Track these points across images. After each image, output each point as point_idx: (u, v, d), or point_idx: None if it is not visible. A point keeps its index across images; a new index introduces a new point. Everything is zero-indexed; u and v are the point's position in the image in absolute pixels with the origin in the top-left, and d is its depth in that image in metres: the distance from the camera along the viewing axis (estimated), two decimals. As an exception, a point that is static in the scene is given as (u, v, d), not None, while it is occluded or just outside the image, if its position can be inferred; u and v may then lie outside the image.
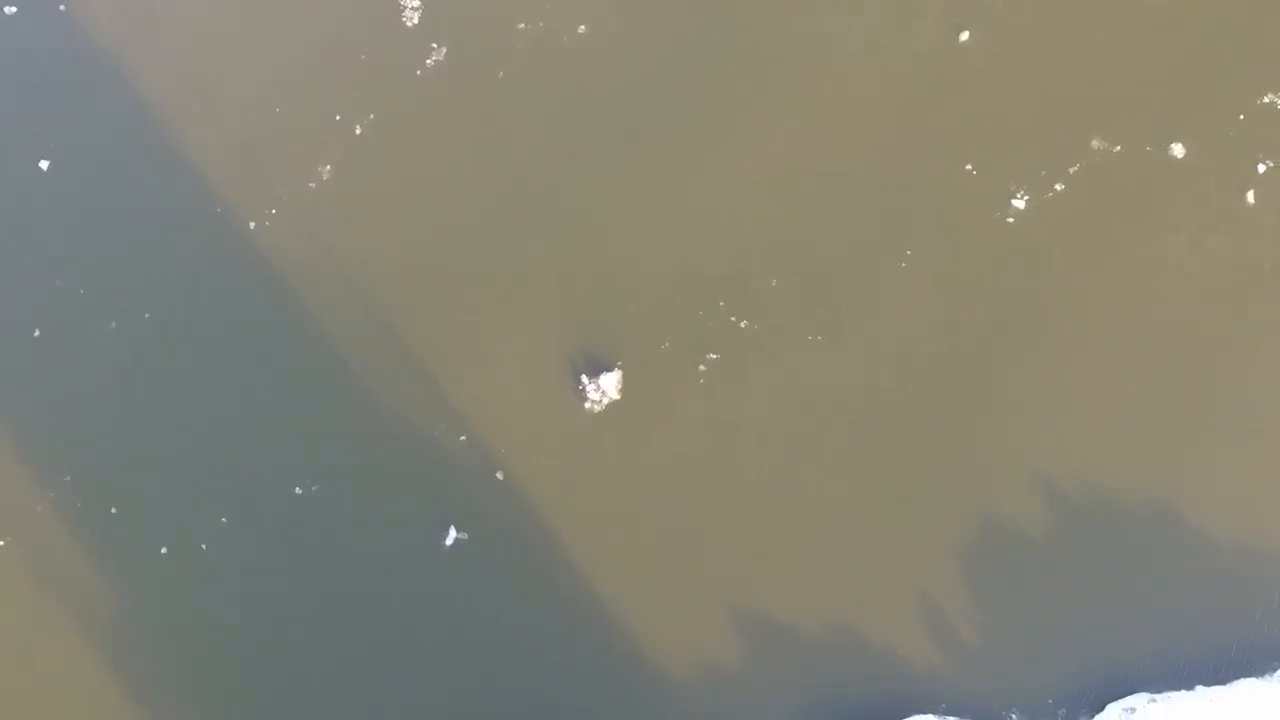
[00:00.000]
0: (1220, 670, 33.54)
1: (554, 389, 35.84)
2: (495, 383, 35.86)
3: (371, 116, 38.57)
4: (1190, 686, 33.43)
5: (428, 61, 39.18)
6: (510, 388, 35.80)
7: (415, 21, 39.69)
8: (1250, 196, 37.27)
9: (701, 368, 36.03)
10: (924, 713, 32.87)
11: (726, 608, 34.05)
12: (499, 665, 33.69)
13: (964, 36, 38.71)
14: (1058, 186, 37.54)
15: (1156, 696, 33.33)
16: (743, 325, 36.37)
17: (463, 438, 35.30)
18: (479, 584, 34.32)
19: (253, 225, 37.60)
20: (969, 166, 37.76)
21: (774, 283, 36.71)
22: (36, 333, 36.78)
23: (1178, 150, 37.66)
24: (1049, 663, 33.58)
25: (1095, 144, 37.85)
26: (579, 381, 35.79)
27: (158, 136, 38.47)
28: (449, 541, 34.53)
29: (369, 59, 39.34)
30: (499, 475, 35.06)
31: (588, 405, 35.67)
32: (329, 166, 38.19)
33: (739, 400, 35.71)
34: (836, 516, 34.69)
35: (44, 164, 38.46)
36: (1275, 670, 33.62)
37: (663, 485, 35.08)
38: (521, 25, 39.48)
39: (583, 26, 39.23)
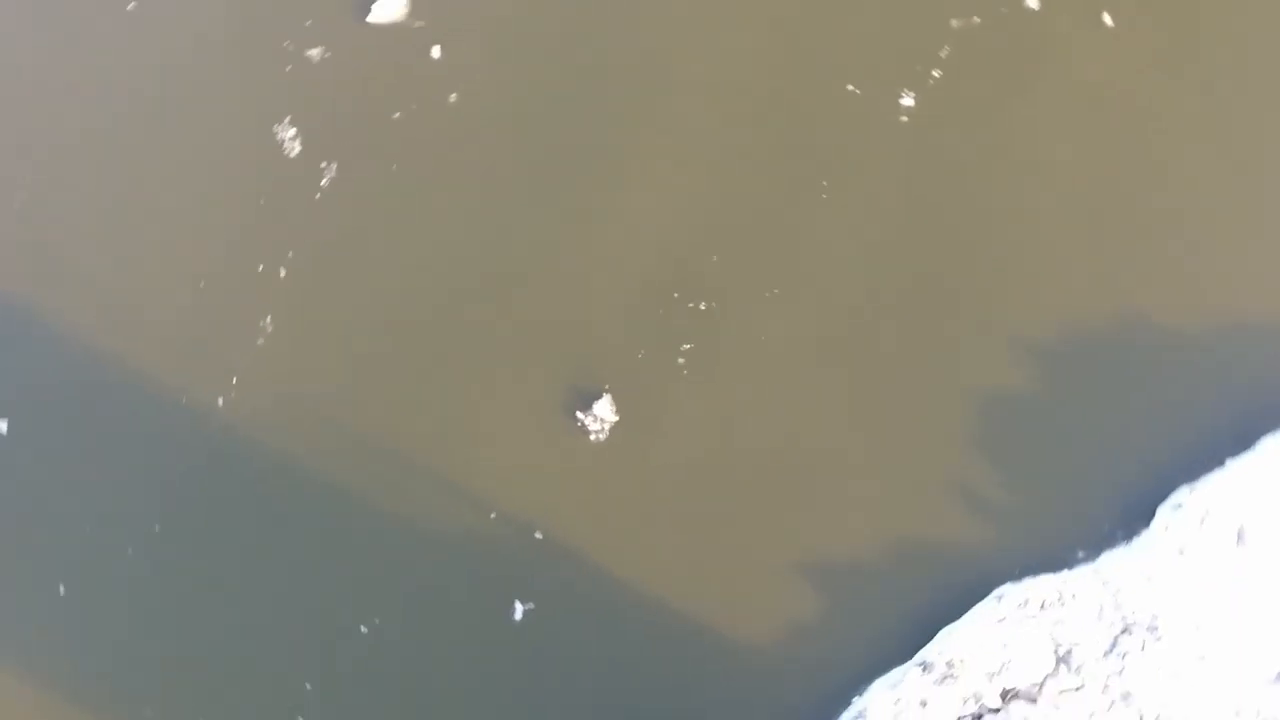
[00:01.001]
0: (1238, 438, 35.48)
1: (556, 435, 36.77)
2: (502, 452, 36.69)
3: (291, 254, 39.15)
4: (1221, 463, 35.43)
5: (323, 183, 39.84)
6: (516, 450, 36.65)
7: (297, 150, 40.31)
8: (1107, 18, 39.27)
9: (680, 360, 37.24)
10: (1012, 583, 34.43)
11: (786, 575, 35.21)
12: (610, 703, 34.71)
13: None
14: (935, 74, 39.32)
15: (1194, 484, 35.29)
16: (703, 308, 37.65)
17: (492, 515, 36.12)
18: (561, 643, 35.14)
19: (220, 401, 38.04)
20: (850, 87, 39.36)
21: (715, 258, 38.05)
22: (62, 589, 36.67)
23: (1032, 2, 39.58)
24: (1088, 499, 35.37)
25: (954, 23, 39.63)
26: (576, 420, 36.77)
27: (95, 363, 38.33)
28: (519, 616, 35.42)
29: (267, 201, 39.88)
30: (538, 535, 35.96)
31: (592, 437, 36.68)
32: (269, 317, 38.70)
33: (725, 375, 37.08)
34: (853, 453, 36.16)
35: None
36: (1283, 422, 35.88)
37: (689, 484, 36.16)
38: (396, 115, 40.28)
39: (454, 95, 40.10)
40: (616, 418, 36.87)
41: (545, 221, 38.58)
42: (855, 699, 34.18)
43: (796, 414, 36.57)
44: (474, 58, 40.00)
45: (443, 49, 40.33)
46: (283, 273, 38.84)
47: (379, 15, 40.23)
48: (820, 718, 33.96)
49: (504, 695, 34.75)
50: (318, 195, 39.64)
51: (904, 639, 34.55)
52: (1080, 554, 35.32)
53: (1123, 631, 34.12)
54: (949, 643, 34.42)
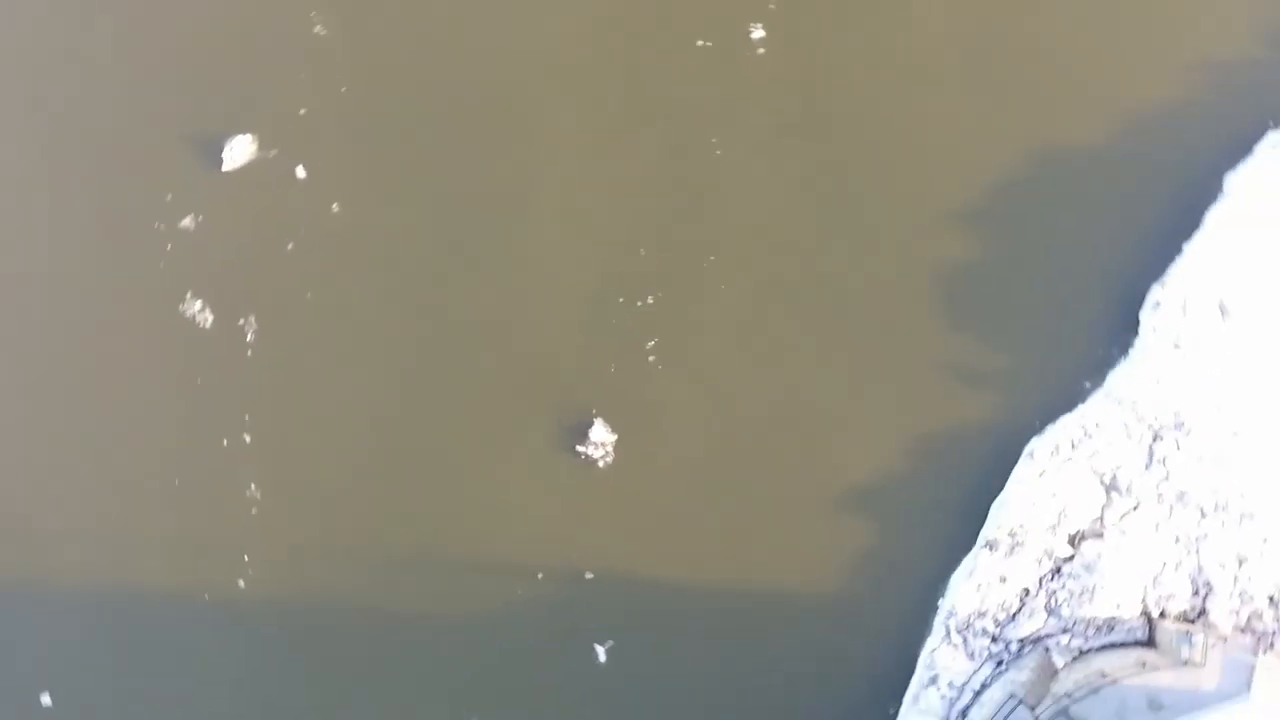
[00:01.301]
0: (1185, 222, 36.35)
1: (567, 476, 36.89)
2: (523, 513, 36.76)
3: (247, 418, 38.61)
4: (1179, 250, 36.33)
5: (249, 339, 39.14)
6: (536, 505, 36.74)
7: (210, 320, 39.46)
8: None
9: (651, 358, 37.44)
10: (1037, 436, 35.29)
11: (828, 519, 35.88)
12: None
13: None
14: (771, 5, 39.56)
15: (1163, 280, 36.20)
16: (650, 301, 37.80)
17: (539, 575, 36.30)
18: (650, 666, 35.59)
19: (242, 583, 37.48)
20: (700, 42, 39.51)
21: (642, 251, 38.19)
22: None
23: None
24: (1074, 332, 36.23)
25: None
26: (579, 455, 36.93)
27: (117, 612, 37.65)
28: (603, 659, 35.74)
29: (204, 379, 39.23)
30: (589, 575, 36.20)
31: (600, 464, 36.84)
32: (252, 485, 38.21)
33: (697, 353, 37.39)
34: (842, 382, 36.93)
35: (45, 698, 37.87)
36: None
37: (706, 470, 36.63)
38: (290, 245, 39.65)
39: (335, 204, 39.59)
40: (615, 436, 36.97)
41: (472, 285, 38.34)
42: (940, 601, 35.02)
43: (776, 365, 36.79)
44: (339, 162, 39.47)
45: (306, 167, 39.75)
46: (247, 438, 38.44)
47: (233, 161, 39.55)
48: (915, 634, 34.87)
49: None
50: (249, 353, 39.11)
51: (961, 529, 35.17)
52: (1087, 384, 36.04)
53: (1154, 439, 35.05)
54: (1003, 515, 35.10)
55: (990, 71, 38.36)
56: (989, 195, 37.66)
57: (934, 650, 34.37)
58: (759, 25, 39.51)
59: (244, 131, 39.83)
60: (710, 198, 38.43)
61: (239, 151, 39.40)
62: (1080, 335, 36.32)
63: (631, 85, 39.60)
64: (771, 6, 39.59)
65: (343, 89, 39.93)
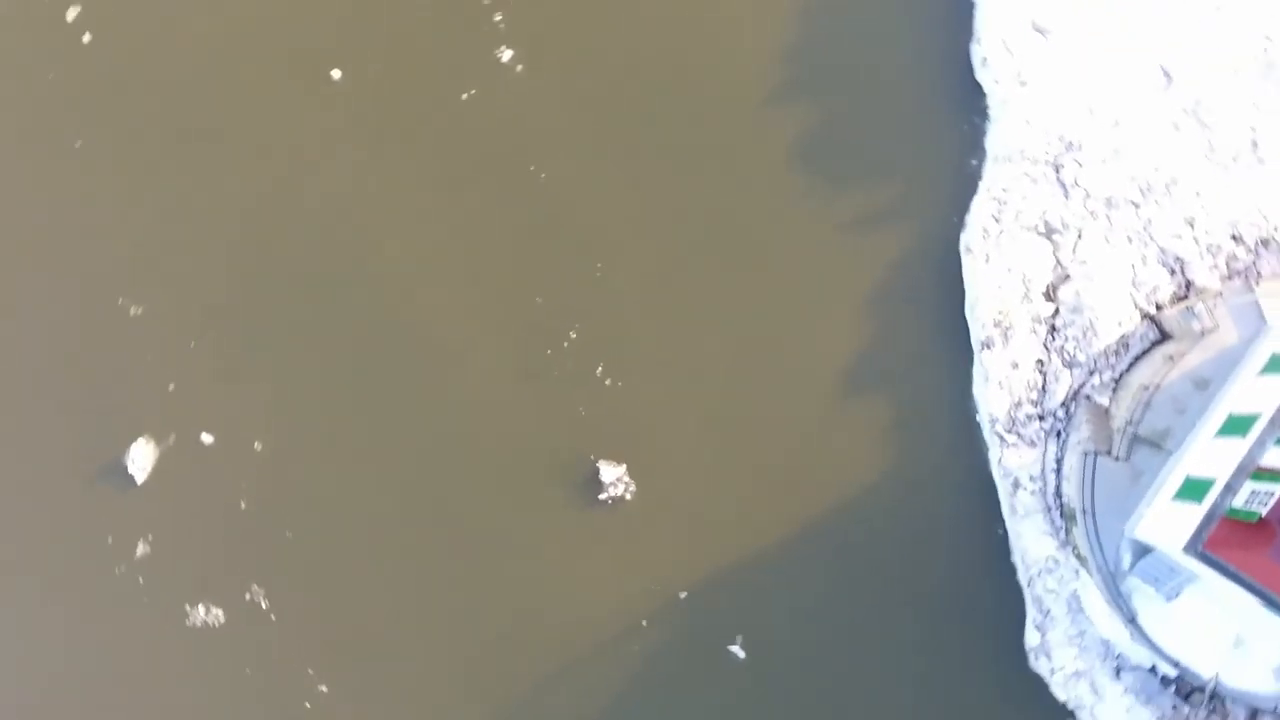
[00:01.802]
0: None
1: (604, 523, 37.18)
2: (596, 572, 37.05)
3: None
4: (969, 4, 37.36)
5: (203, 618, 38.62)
6: (602, 556, 37.09)
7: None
8: None
9: (607, 382, 37.62)
10: (963, 231, 36.32)
11: (848, 405, 36.88)
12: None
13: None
14: (497, 17, 39.28)
15: (975, 35, 37.21)
16: (574, 335, 37.91)
17: (643, 622, 36.70)
18: (783, 639, 36.46)
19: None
20: (465, 95, 39.19)
21: (538, 299, 38.16)
22: None
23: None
24: (931, 118, 37.26)
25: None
26: (603, 500, 37.13)
27: None
28: (742, 654, 36.46)
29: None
30: (682, 595, 36.69)
31: (629, 497, 37.14)
32: (313, 679, 37.66)
33: (643, 351, 37.73)
34: (776, 294, 37.52)
35: None
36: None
37: (724, 446, 37.16)
38: (243, 504, 38.93)
39: (258, 443, 38.79)
40: (623, 466, 37.18)
41: (419, 414, 37.88)
42: (977, 417, 35.80)
43: (713, 317, 37.26)
44: (234, 408, 38.28)
45: (210, 432, 38.90)
46: (264, 604, 37.89)
47: (143, 469, 38.15)
48: (977, 459, 35.70)
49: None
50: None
51: (953, 348, 36.13)
52: (973, 162, 37.03)
53: (1057, 171, 35.87)
54: (979, 313, 35.76)
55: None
56: (788, 67, 38.30)
57: (999, 460, 35.60)
58: (507, 49, 39.22)
59: (130, 439, 38.71)
60: (563, 218, 38.38)
61: (141, 458, 38.27)
62: (940, 127, 37.27)
63: (429, 168, 39.12)
64: (501, 25, 39.30)
65: (192, 344, 38.90)
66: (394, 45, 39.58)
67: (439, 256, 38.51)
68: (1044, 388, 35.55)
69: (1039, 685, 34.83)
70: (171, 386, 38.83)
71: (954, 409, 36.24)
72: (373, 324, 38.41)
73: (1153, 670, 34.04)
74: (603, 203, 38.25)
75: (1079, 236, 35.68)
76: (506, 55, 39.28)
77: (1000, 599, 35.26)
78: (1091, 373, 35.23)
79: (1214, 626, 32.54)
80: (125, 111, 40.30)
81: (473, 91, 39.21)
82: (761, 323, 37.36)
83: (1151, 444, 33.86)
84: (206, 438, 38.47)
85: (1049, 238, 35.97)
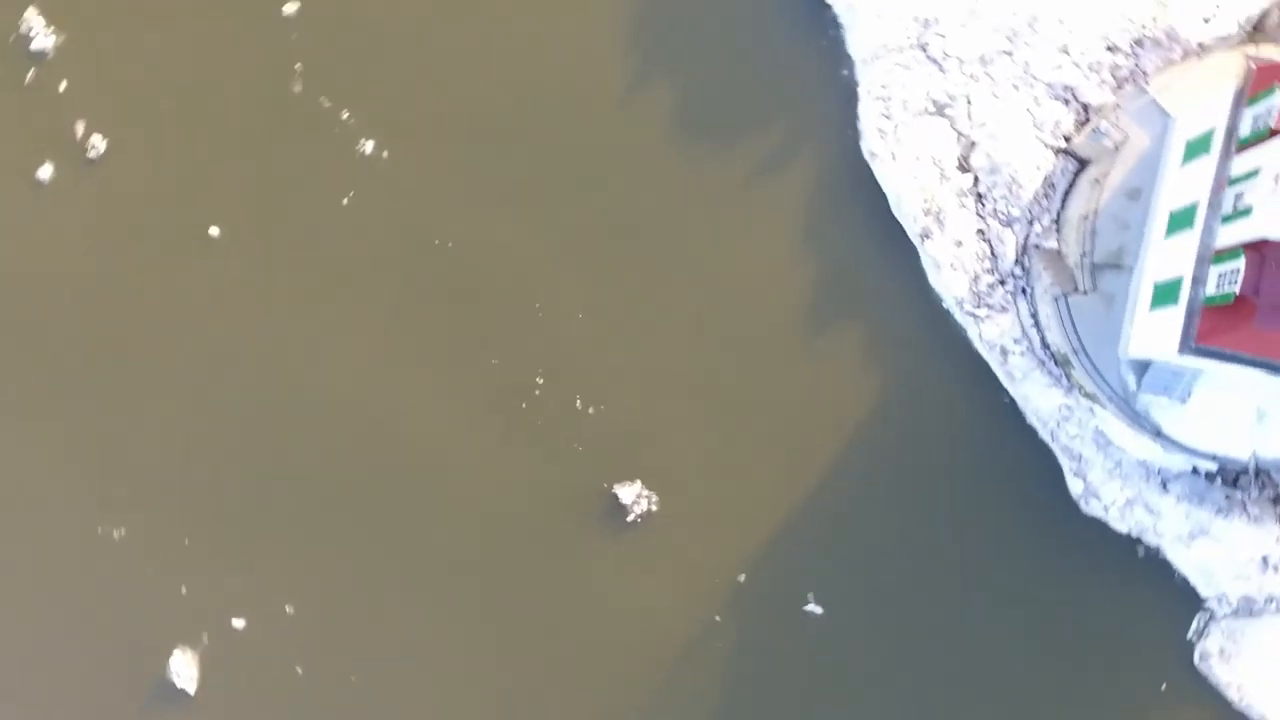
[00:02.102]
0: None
1: (647, 539, 37.37)
2: (641, 600, 37.35)
3: None
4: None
5: None
6: (662, 573, 37.33)
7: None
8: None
9: (590, 411, 37.63)
10: (860, 140, 36.62)
11: (817, 340, 37.39)
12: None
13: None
14: (345, 115, 38.67)
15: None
16: (541, 380, 37.79)
17: (717, 617, 37.00)
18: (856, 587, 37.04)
19: None
20: (345, 200, 38.60)
21: (494, 361, 37.88)
22: None
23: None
24: (786, 50, 37.42)
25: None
26: (631, 519, 37.25)
27: None
28: (816, 611, 36.98)
29: None
30: (742, 578, 37.07)
31: (655, 509, 37.29)
32: None
33: (613, 369, 37.88)
34: (695, 257, 37.81)
35: None
36: None
37: (727, 426, 37.48)
38: (299, 670, 38.48)
39: (289, 607, 38.29)
40: (637, 482, 37.17)
41: (396, 514, 37.65)
42: (945, 306, 36.29)
43: (663, 309, 37.48)
44: (266, 585, 37.96)
45: (243, 617, 38.30)
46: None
47: (189, 679, 37.62)
48: (960, 348, 36.34)
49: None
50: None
51: (896, 252, 36.55)
52: (844, 73, 37.30)
53: (924, 50, 36.17)
54: (906, 209, 36.19)
55: None
56: (636, 58, 38.15)
57: (980, 335, 36.16)
58: (369, 140, 38.68)
59: (166, 654, 38.06)
60: (485, 275, 38.04)
61: (184, 668, 37.66)
62: (800, 53, 37.45)
63: (339, 281, 38.51)
64: (351, 121, 38.72)
65: (185, 541, 38.17)
66: (260, 182, 38.75)
67: (381, 362, 38.07)
68: (993, 253, 36.07)
69: (1099, 527, 35.73)
70: (184, 589, 38.20)
71: (919, 306, 36.72)
72: (344, 456, 38.01)
73: (1195, 471, 34.95)
74: (515, 247, 37.97)
75: (969, 102, 36.06)
76: (368, 147, 38.60)
77: (1033, 462, 36.04)
78: (1030, 222, 35.77)
79: (1232, 410, 33.43)
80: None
81: (351, 193, 38.64)
82: (710, 300, 37.48)
83: (1111, 266, 34.53)
84: (238, 623, 37.92)
85: (942, 114, 36.32)
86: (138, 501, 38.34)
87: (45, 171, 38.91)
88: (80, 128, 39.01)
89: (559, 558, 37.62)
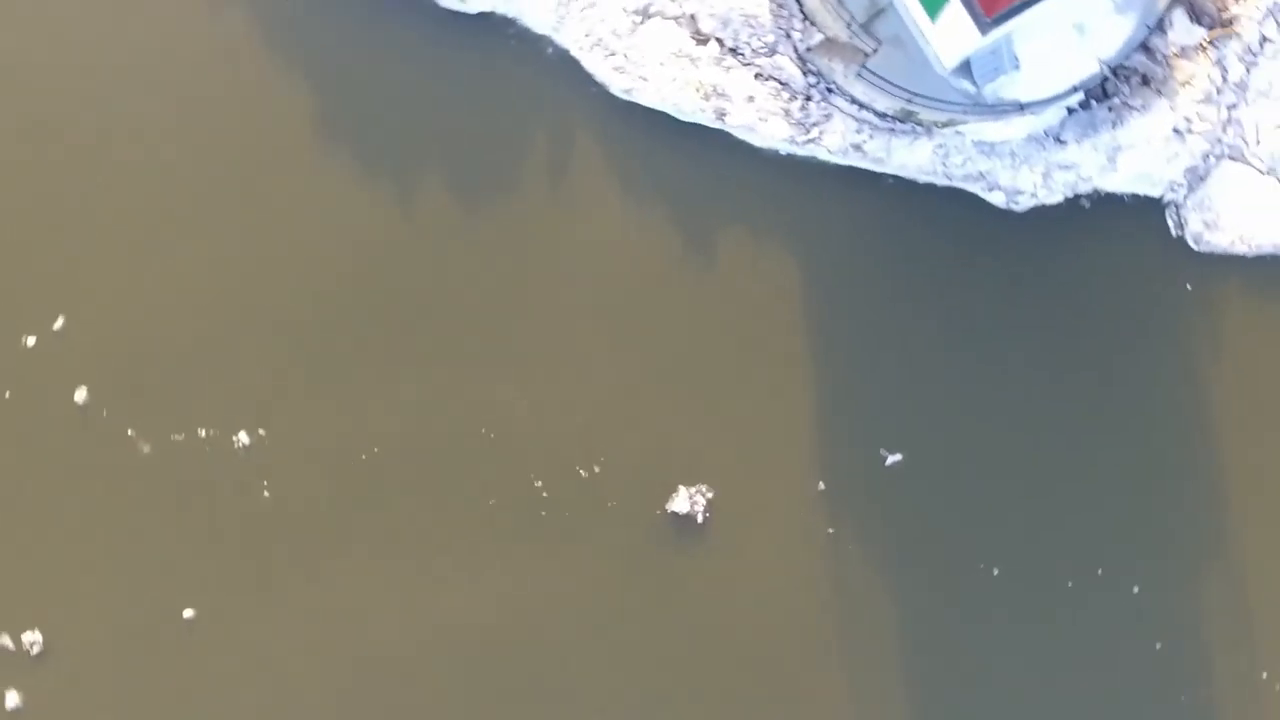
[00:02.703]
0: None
1: (716, 540, 37.25)
2: (765, 586, 37.15)
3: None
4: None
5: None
6: (746, 577, 37.11)
7: None
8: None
9: (597, 470, 37.25)
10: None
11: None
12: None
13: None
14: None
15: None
16: (539, 484, 37.33)
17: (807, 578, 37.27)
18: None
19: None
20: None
21: (492, 501, 37.38)
22: None
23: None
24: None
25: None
26: (700, 518, 37.20)
27: None
28: (890, 461, 37.48)
29: None
30: (830, 530, 37.28)
31: (710, 496, 37.23)
32: None
33: (603, 421, 37.42)
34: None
35: None
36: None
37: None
38: None
39: None
40: (680, 492, 36.95)
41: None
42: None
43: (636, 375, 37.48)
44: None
45: None
46: None
47: None
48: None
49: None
50: None
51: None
52: (549, 51, 36.99)
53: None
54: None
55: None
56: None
57: (829, 152, 36.39)
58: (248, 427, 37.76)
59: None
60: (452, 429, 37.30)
61: None
62: (500, 71, 37.00)
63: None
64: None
65: None
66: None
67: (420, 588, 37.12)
68: (782, 83, 36.36)
69: (1039, 214, 36.73)
70: None
71: (764, 171, 36.89)
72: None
73: (1071, 111, 36.03)
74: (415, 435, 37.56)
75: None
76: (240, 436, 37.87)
77: (951, 209, 36.72)
78: (787, 35, 36.12)
79: (1058, 44, 34.47)
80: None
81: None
82: (624, 303, 36.95)
83: (876, 16, 35.00)
84: None
85: (649, 16, 36.31)
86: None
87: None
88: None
89: (694, 604, 37.00)
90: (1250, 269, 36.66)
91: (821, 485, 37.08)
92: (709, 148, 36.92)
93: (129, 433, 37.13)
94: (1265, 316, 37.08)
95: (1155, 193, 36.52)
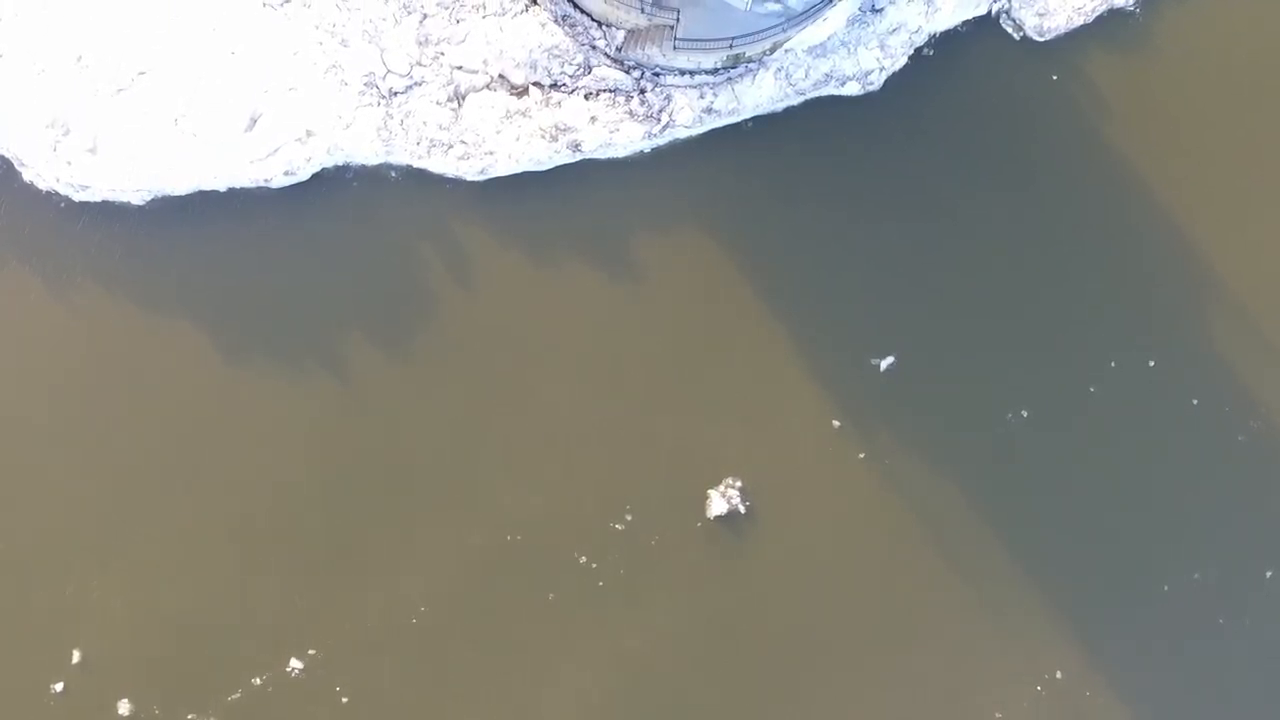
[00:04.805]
0: None
1: (762, 530, 37.24)
2: (823, 563, 37.32)
3: None
4: None
5: None
6: (806, 557, 37.26)
7: None
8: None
9: (628, 518, 36.92)
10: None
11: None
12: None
13: None
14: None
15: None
16: (583, 560, 36.85)
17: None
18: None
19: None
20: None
21: (550, 596, 36.85)
22: None
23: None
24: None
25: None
26: (743, 510, 37.01)
27: None
28: (883, 367, 37.88)
29: None
30: (862, 454, 37.51)
31: (742, 485, 37.11)
32: None
33: (611, 472, 37.17)
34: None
35: None
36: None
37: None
38: None
39: None
40: (713, 491, 36.85)
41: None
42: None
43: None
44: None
45: None
46: None
47: None
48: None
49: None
50: None
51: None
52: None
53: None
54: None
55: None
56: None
57: (687, 126, 36.76)
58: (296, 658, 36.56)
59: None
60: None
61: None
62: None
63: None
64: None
65: None
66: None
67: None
68: (623, 93, 36.74)
69: (896, 85, 37.58)
70: None
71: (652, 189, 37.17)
72: None
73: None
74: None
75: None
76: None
77: (823, 123, 37.31)
78: (592, 47, 36.56)
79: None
80: None
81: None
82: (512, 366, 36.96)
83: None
84: None
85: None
86: None
87: None
88: None
89: (778, 583, 36.82)
90: (1096, 33, 37.90)
91: (836, 423, 37.41)
92: (583, 181, 37.11)
93: (189, 717, 36.16)
94: (1131, 63, 38.30)
95: (982, 10, 37.65)
